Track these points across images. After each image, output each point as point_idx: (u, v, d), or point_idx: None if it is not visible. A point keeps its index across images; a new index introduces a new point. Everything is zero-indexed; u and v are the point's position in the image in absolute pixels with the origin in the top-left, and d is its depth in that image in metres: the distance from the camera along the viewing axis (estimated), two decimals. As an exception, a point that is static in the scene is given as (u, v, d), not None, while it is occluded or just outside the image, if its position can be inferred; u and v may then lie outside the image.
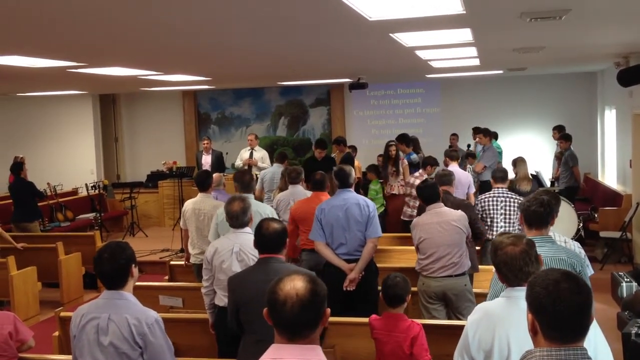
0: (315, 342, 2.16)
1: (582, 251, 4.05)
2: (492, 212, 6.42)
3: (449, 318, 5.25)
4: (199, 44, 5.62)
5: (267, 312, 2.16)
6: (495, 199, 6.49)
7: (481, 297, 5.10)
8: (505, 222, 6.40)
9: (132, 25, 4.46)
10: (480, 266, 5.94)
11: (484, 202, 6.53)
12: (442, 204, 5.43)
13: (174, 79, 9.56)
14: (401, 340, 3.90)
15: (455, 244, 5.23)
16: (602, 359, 2.59)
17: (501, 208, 6.42)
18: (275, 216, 5.52)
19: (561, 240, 4.02)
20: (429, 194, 5.43)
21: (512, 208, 6.40)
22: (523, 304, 2.13)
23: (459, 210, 5.42)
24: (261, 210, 5.50)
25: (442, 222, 5.25)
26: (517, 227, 6.36)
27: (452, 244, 5.21)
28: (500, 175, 6.71)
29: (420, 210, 5.73)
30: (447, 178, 6.23)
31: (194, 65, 7.85)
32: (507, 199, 6.48)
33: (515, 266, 2.75)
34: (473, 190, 8.27)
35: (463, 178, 7.90)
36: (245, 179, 5.80)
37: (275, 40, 5.59)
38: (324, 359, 2.14)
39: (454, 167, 8.03)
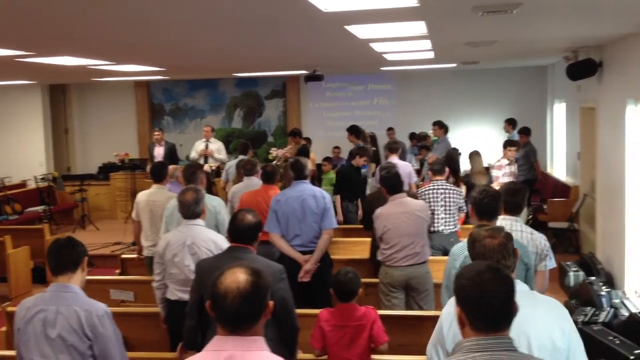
0: (258, 333, 2.16)
1: (547, 243, 4.19)
2: (432, 204, 6.41)
3: (409, 307, 5.34)
4: (152, 35, 5.52)
5: (210, 305, 2.15)
6: (435, 190, 6.54)
7: (436, 287, 5.21)
8: (445, 214, 6.46)
9: (83, 15, 4.34)
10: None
11: (425, 194, 6.55)
12: (405, 194, 5.51)
13: (126, 69, 9.37)
14: (361, 327, 3.93)
15: (418, 233, 5.34)
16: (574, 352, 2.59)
17: (441, 200, 6.47)
18: (224, 208, 5.54)
19: (527, 232, 4.15)
20: (393, 183, 5.50)
21: (451, 199, 6.47)
22: None
23: (420, 200, 5.51)
24: (208, 202, 5.44)
25: (407, 212, 5.35)
26: (456, 218, 6.50)
27: (415, 233, 5.32)
28: (437, 167, 6.80)
29: None
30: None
31: (147, 56, 7.70)
32: (447, 191, 6.55)
33: (493, 259, 2.64)
34: (415, 179, 8.37)
35: (402, 169, 7.93)
36: (188, 171, 5.76)
37: (229, 33, 5.53)
38: (265, 349, 2.15)
39: (394, 159, 8.07)
